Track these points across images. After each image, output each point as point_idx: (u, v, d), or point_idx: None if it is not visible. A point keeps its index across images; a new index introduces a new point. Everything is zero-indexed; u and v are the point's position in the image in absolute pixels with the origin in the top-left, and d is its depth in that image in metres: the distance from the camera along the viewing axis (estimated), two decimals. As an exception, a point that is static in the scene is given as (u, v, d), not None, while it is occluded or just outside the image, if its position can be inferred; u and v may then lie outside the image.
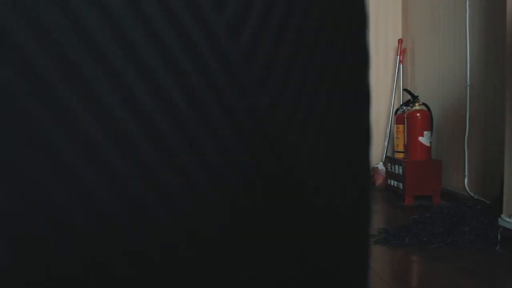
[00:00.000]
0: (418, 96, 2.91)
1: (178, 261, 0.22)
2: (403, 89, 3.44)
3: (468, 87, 2.50)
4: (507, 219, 1.64)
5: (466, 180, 2.51)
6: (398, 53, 3.64)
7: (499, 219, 1.69)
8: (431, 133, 2.81)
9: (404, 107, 2.97)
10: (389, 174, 3.06)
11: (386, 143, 3.62)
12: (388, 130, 3.63)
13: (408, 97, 2.98)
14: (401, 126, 2.94)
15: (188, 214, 0.22)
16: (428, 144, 2.78)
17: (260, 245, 0.24)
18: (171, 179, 0.21)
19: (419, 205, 2.64)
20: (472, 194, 2.43)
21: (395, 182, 2.91)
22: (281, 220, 0.24)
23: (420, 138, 2.76)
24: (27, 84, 0.19)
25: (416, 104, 2.84)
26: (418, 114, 2.78)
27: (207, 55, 0.22)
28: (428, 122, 2.79)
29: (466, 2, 2.50)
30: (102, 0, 0.20)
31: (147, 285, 0.22)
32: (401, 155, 2.95)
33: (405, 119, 2.86)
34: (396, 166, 2.90)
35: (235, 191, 0.23)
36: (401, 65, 3.63)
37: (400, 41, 3.65)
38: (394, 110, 3.38)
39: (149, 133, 0.21)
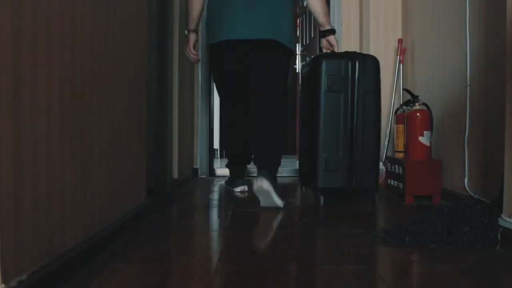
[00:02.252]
0: (418, 96, 2.90)
1: None
2: (403, 89, 3.44)
3: (468, 87, 2.50)
4: (507, 219, 1.64)
5: (466, 180, 2.51)
6: (398, 53, 3.64)
7: (499, 219, 1.69)
8: (431, 133, 2.81)
9: (404, 107, 2.97)
10: (389, 174, 3.06)
11: (386, 143, 3.62)
12: (388, 130, 3.63)
13: (408, 97, 2.98)
14: (401, 126, 2.94)
15: None
16: (428, 144, 2.77)
17: None
18: None
19: (419, 205, 2.64)
20: (472, 194, 2.43)
21: (395, 182, 2.91)
22: None
23: (420, 138, 2.76)
24: None
25: (416, 104, 2.84)
26: (418, 114, 2.78)
27: None
28: (428, 122, 2.79)
29: (466, 2, 2.49)
30: None
31: None
32: (401, 155, 2.95)
33: (405, 119, 2.85)
34: (396, 166, 2.90)
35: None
36: (401, 65, 3.63)
37: (400, 41, 3.65)
38: (394, 110, 3.38)
39: None
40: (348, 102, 2.54)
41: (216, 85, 3.09)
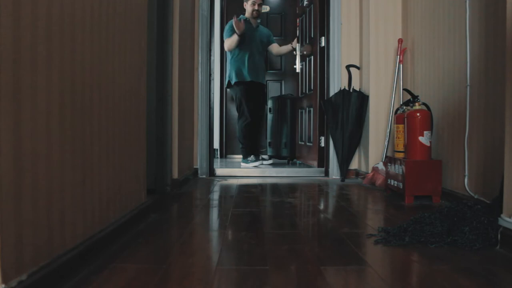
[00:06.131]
0: (418, 96, 2.90)
1: None
2: (403, 89, 3.44)
3: (468, 87, 2.50)
4: (507, 219, 1.64)
5: (466, 180, 2.51)
6: (398, 53, 3.64)
7: (499, 219, 1.69)
8: (431, 133, 2.81)
9: (404, 107, 2.97)
10: (389, 174, 3.06)
11: (386, 143, 3.62)
12: (388, 130, 3.63)
13: (408, 97, 2.98)
14: (401, 126, 2.94)
15: None
16: (428, 144, 2.78)
17: None
18: None
19: (419, 205, 2.64)
20: (472, 194, 2.43)
21: (395, 182, 2.91)
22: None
23: (420, 138, 2.76)
24: None
25: (416, 104, 2.84)
26: (418, 114, 2.78)
27: None
28: (428, 122, 2.79)
29: (466, 2, 2.50)
30: None
31: None
32: (401, 155, 2.95)
33: (405, 119, 2.85)
34: (396, 166, 2.90)
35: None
36: (401, 65, 3.63)
37: (400, 41, 3.65)
38: (394, 110, 3.38)
39: None
40: (278, 118, 5.54)
41: None
